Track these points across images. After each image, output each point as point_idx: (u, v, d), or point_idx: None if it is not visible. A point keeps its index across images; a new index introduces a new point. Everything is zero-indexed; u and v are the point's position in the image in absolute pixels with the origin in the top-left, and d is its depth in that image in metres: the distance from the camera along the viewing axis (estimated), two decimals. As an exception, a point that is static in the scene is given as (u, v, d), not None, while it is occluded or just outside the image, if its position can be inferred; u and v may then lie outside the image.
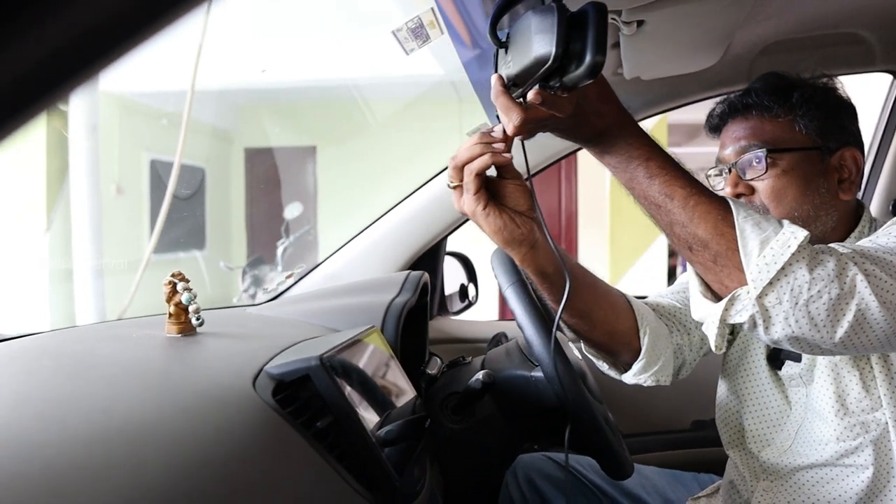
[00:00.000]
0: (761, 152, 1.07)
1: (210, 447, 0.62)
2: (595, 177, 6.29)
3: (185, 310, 0.91)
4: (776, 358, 1.13)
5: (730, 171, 1.12)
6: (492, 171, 0.86)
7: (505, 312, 7.56)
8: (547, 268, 0.93)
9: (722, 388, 1.25)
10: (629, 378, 1.12)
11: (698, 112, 1.39)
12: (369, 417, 0.84)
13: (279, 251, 3.40)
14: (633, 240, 6.66)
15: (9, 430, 0.55)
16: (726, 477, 1.26)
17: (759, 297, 0.78)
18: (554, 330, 0.97)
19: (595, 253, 6.96)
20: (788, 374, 1.11)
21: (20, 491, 0.47)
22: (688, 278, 0.92)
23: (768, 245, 0.77)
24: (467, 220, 1.63)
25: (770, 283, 0.77)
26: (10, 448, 0.52)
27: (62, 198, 2.78)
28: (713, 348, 0.85)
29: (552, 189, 6.57)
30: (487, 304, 2.13)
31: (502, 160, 0.83)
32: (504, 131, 0.81)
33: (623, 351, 1.09)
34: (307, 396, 0.78)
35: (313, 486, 0.70)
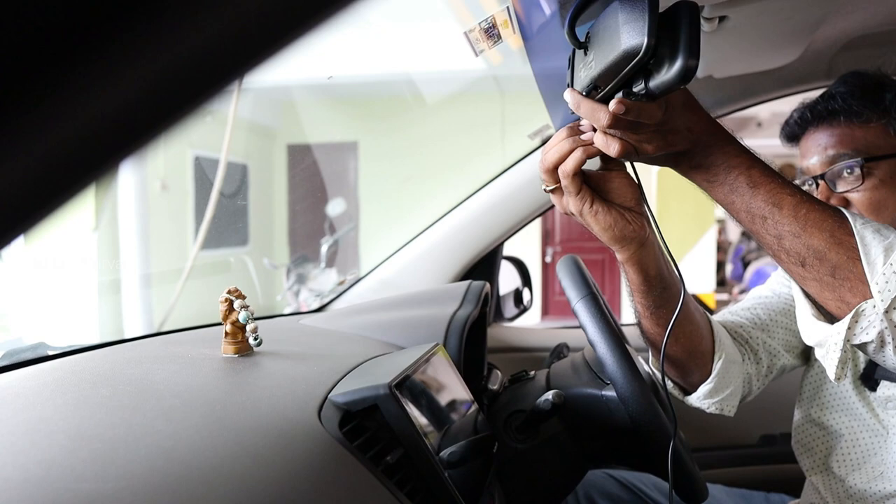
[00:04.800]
0: (855, 162, 0.98)
1: (276, 490, 0.57)
2: (641, 173, 6.20)
3: (242, 328, 0.87)
4: (869, 378, 1.05)
5: (817, 183, 1.04)
6: (595, 163, 0.80)
7: (547, 313, 7.50)
8: (651, 269, 0.87)
9: (800, 413, 1.16)
10: (693, 400, 1.05)
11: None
12: (435, 442, 0.78)
13: (323, 249, 3.38)
14: (681, 235, 6.55)
15: (65, 478, 0.50)
16: (804, 499, 1.19)
17: (888, 310, 0.69)
18: (664, 342, 0.90)
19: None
20: (885, 396, 1.03)
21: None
22: (790, 297, 0.84)
23: (893, 252, 0.69)
24: (525, 225, 1.57)
25: None
26: (66, 501, 0.47)
27: (110, 196, 2.78)
28: (833, 377, 0.75)
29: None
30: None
31: (595, 152, 0.76)
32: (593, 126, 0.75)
33: (695, 372, 1.02)
34: (375, 427, 0.72)
35: (384, 528, 0.65)
